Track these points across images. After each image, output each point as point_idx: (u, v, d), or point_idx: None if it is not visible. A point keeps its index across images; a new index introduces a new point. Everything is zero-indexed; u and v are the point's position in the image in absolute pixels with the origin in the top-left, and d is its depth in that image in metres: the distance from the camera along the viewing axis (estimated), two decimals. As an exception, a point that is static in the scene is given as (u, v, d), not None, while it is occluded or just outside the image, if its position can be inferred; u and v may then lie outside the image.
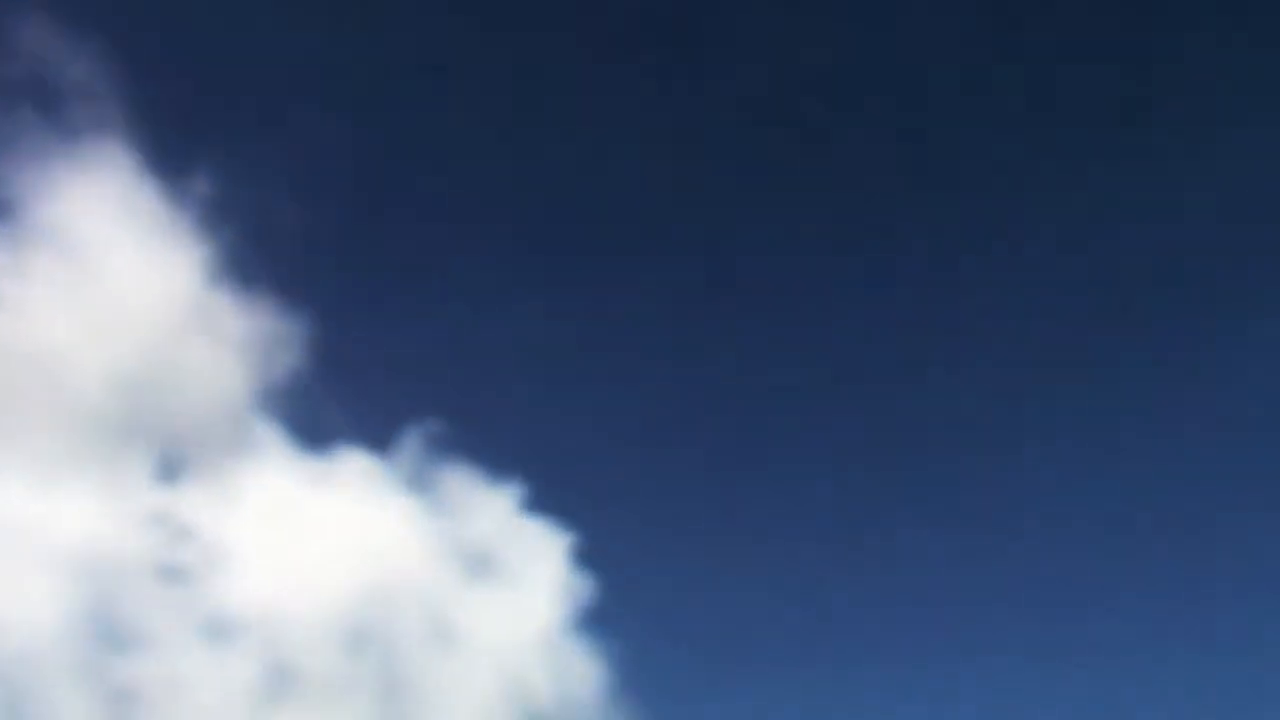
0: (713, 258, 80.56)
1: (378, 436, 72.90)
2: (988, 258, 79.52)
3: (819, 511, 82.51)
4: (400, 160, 74.63)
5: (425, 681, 75.53)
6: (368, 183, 73.22)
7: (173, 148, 61.91)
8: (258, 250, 63.76)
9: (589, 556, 79.80)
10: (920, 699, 77.51)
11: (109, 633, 62.78)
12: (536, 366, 74.73)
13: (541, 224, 78.12)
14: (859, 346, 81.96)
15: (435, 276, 76.20)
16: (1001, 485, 79.97)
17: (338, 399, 70.50)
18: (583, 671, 78.85)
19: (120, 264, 58.37)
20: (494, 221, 76.63)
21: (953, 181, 77.99)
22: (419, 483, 71.63)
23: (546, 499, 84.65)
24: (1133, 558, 74.47)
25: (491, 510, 73.94)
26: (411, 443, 71.62)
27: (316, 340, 65.76)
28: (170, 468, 63.34)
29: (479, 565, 73.07)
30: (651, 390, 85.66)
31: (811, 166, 78.73)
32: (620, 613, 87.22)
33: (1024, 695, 75.41)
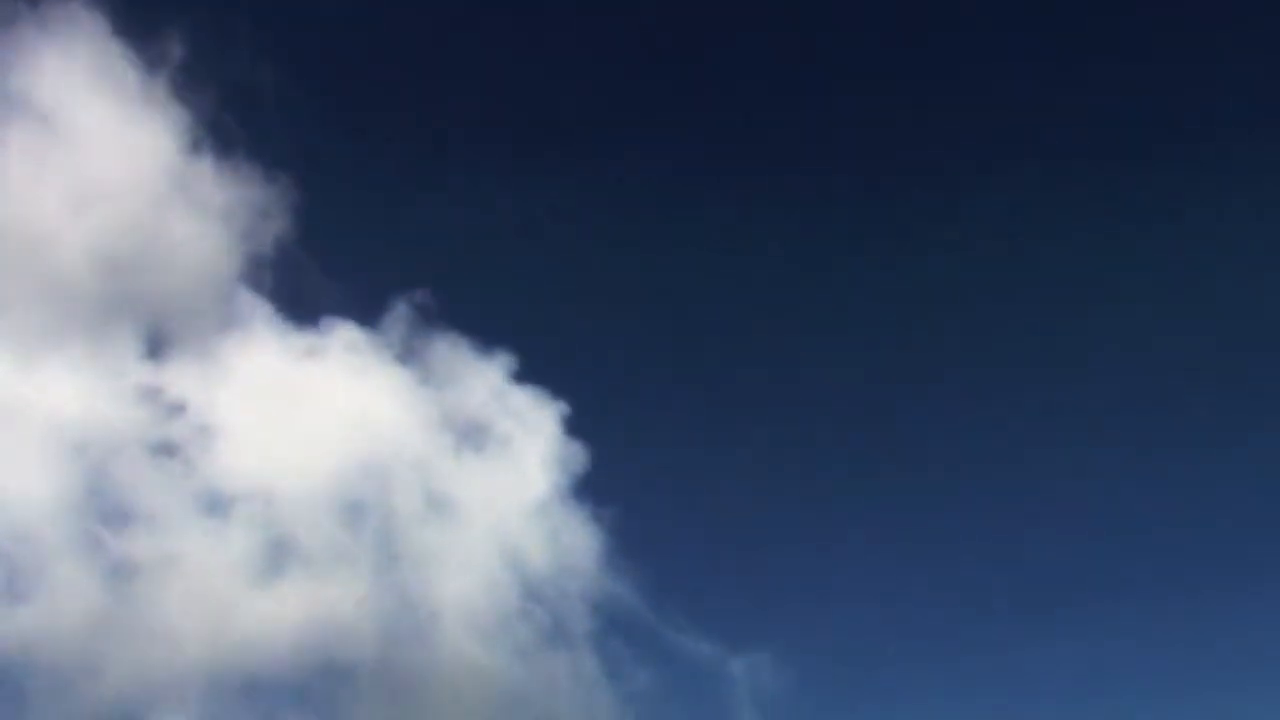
0: (707, 133, 79.66)
1: (366, 309, 71.87)
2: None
3: (808, 379, 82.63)
4: (391, 25, 72.94)
5: (421, 552, 75.56)
6: (352, 46, 71.45)
7: (142, 9, 60.14)
8: (237, 116, 62.10)
9: (580, 426, 79.31)
10: (913, 554, 78.23)
11: (105, 509, 62.32)
12: (525, 237, 73.73)
13: (535, 96, 76.70)
14: (856, 221, 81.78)
15: (424, 146, 74.84)
16: (995, 357, 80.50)
17: (324, 271, 69.36)
18: (577, 539, 79.02)
19: (96, 134, 56.76)
20: (487, 94, 75.08)
21: None
22: (409, 355, 70.76)
23: (537, 369, 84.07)
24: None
25: (482, 381, 73.44)
26: (400, 315, 70.56)
27: (301, 210, 64.12)
28: (157, 344, 62.44)
29: (471, 436, 72.73)
30: (641, 261, 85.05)
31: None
32: (613, 480, 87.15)
33: (1016, 540, 76.45)
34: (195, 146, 58.62)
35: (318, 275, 68.23)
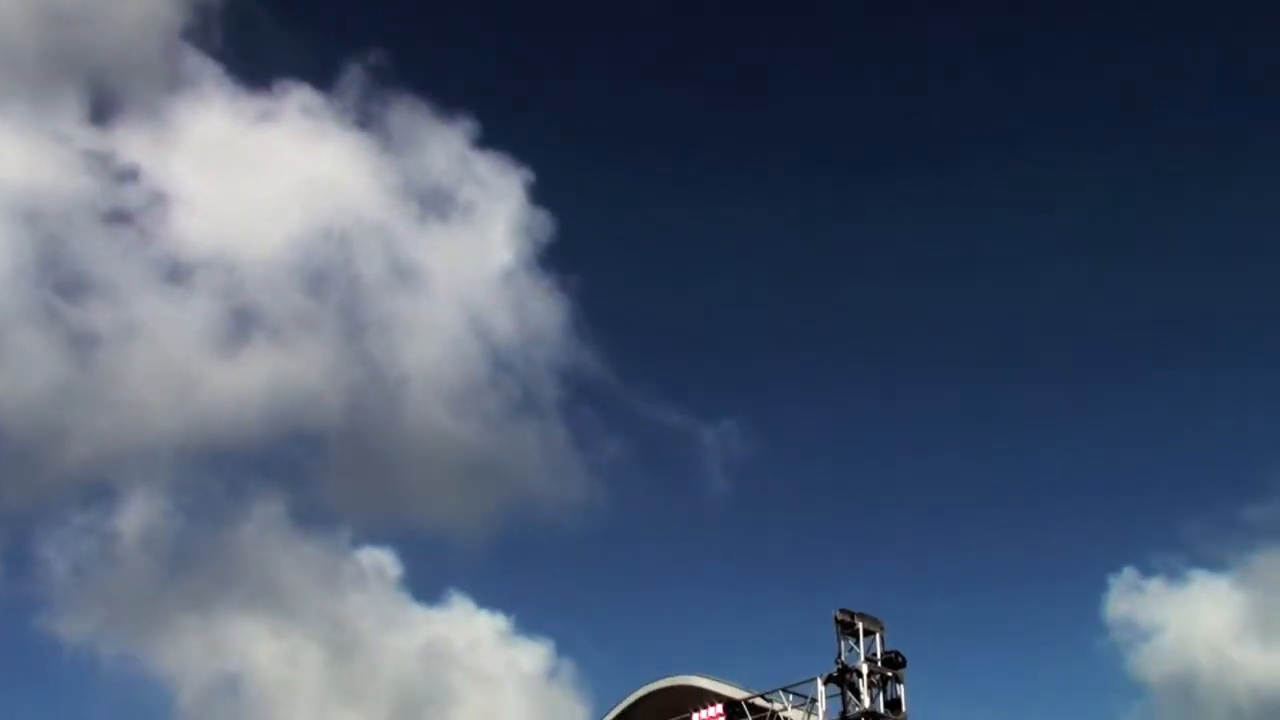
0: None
1: (319, 70, 69.55)
2: None
3: (783, 142, 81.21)
4: None
5: (387, 321, 74.67)
6: None
7: None
8: None
9: (546, 193, 78.30)
10: (884, 326, 78.10)
11: (60, 279, 60.82)
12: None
13: None
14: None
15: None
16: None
17: (275, 28, 66.70)
18: (544, 308, 78.37)
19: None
20: None
21: None
22: (366, 120, 68.35)
23: (500, 135, 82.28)
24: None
25: (443, 147, 71.23)
26: (355, 77, 68.53)
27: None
28: (103, 107, 60.00)
29: (434, 204, 71.12)
30: (607, 17, 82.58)
31: None
32: (580, 249, 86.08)
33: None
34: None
35: (268, 33, 65.67)
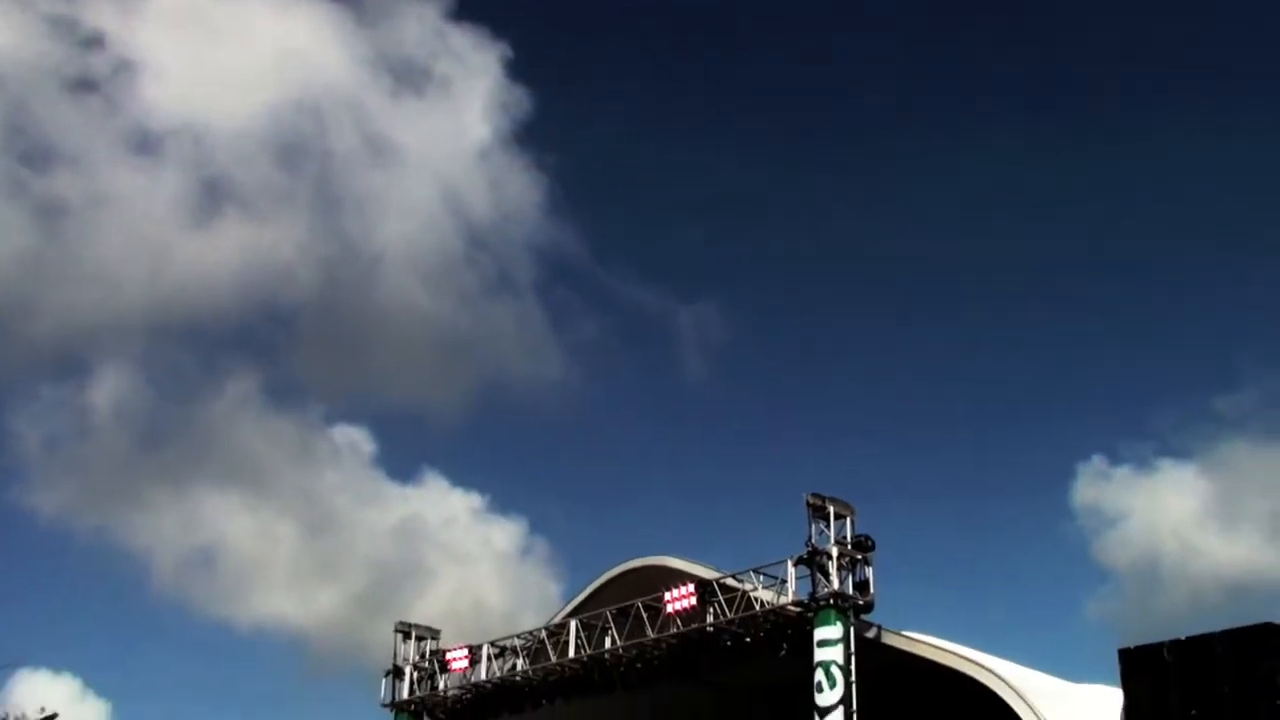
0: None
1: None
2: None
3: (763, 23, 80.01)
4: None
5: (361, 196, 73.88)
6: None
7: None
8: None
9: (523, 69, 77.30)
10: (866, 210, 77.85)
11: (25, 149, 59.61)
12: None
13: None
14: None
15: None
16: None
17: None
18: (520, 186, 77.64)
19: None
20: None
21: None
22: (337, -13, 67.96)
23: (476, 8, 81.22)
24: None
25: (418, 20, 70.18)
26: (326, -57, 67.89)
27: None
28: (65, -30, 58.99)
29: (408, 78, 69.80)
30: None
31: None
32: (557, 126, 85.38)
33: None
34: None
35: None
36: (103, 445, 74.66)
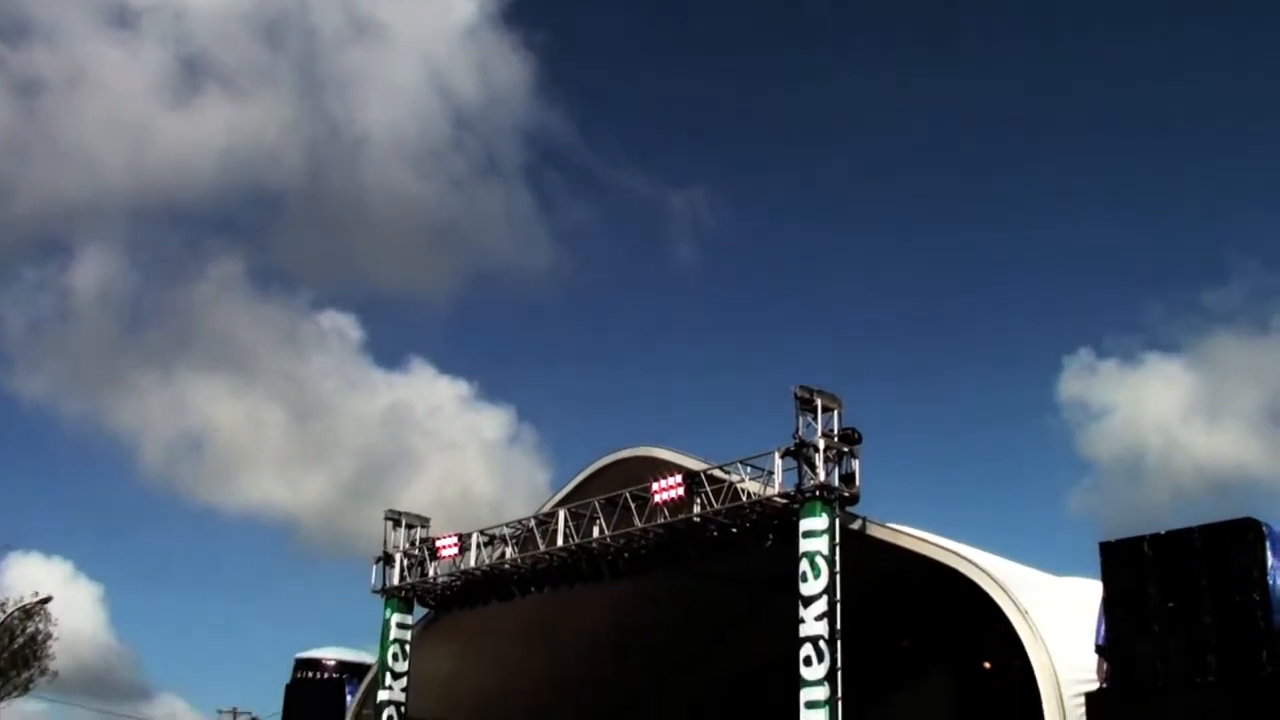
0: None
1: None
2: None
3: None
4: None
5: (346, 76, 73.13)
6: None
7: None
8: None
9: (511, -59, 76.29)
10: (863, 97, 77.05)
11: (1, 23, 59.03)
12: None
13: None
14: None
15: None
16: None
17: None
18: (508, 67, 76.68)
19: None
20: None
21: None
22: None
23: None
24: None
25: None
26: None
27: None
28: None
29: (395, -46, 69.20)
30: None
31: None
32: (546, 4, 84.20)
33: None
34: None
35: None
36: (87, 328, 74.58)
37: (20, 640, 45.44)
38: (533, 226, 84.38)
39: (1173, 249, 79.09)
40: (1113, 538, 17.27)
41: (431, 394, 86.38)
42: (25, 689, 45.80)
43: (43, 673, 45.91)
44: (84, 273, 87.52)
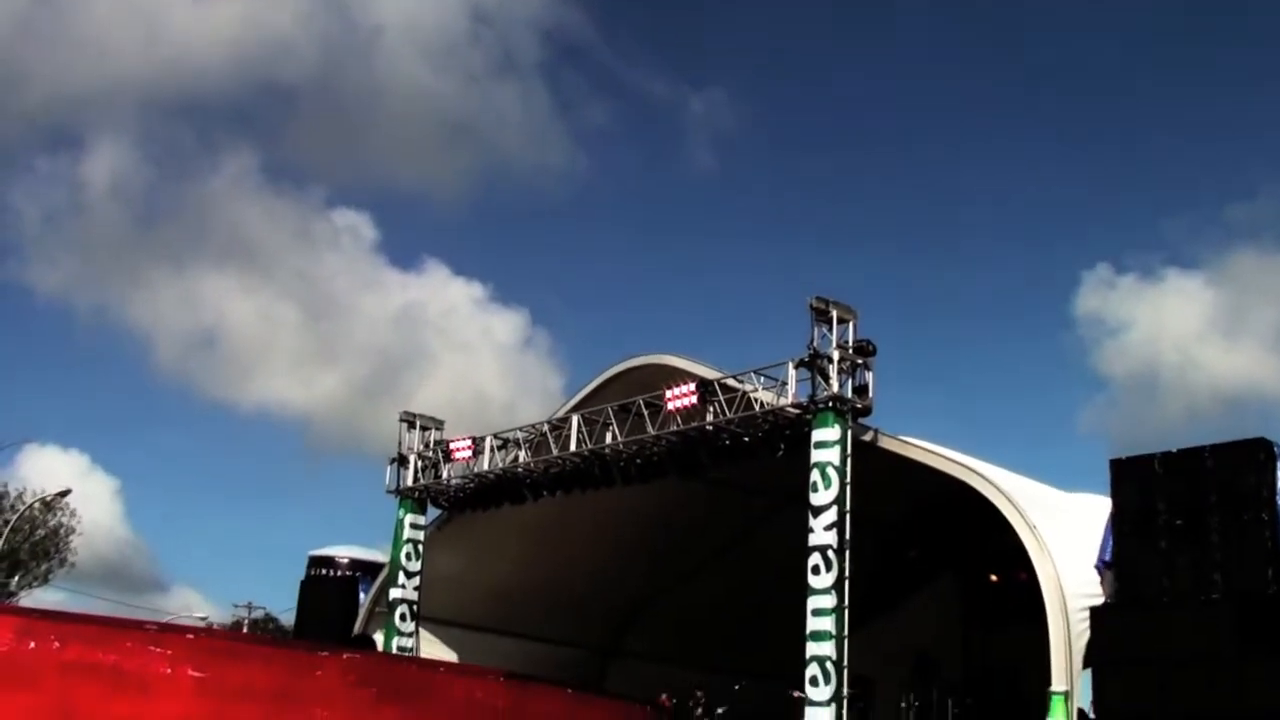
0: None
1: None
2: None
3: None
4: None
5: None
6: None
7: None
8: None
9: None
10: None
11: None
12: None
13: None
14: None
15: None
16: None
17: None
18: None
19: None
20: None
21: None
22: None
23: None
24: None
25: None
26: None
27: None
28: None
29: None
30: None
31: None
32: None
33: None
34: None
35: None
36: (99, 221, 74.56)
37: (42, 533, 46.06)
38: (550, 126, 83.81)
39: (1196, 162, 78.36)
40: (1124, 455, 17.28)
41: (446, 295, 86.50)
42: (45, 579, 46.51)
43: (62, 564, 46.63)
44: (96, 165, 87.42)
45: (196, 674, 3.42)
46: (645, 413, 23.16)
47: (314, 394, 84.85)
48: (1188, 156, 78.51)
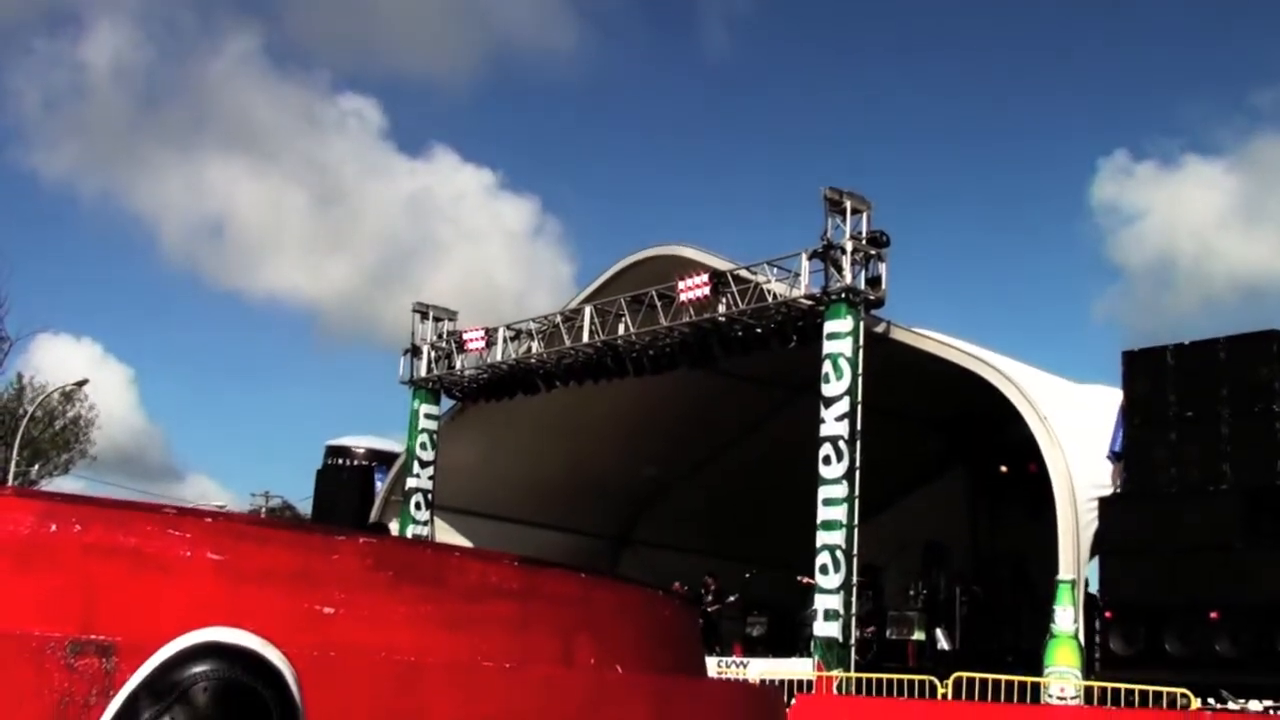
0: None
1: None
2: None
3: None
4: None
5: None
6: None
7: None
8: None
9: None
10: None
11: None
12: None
13: None
14: None
15: None
16: None
17: None
18: None
19: None
20: None
21: None
22: None
23: None
24: None
25: None
26: None
27: None
28: None
29: None
30: None
31: None
32: None
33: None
34: None
35: None
36: (102, 104, 73.96)
37: (61, 423, 46.49)
38: (559, 5, 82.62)
39: (1217, 43, 77.06)
40: (1137, 346, 17.30)
41: (455, 181, 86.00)
42: (65, 469, 47.04)
43: (83, 455, 47.14)
44: (96, 46, 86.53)
45: (215, 556, 3.49)
46: (658, 304, 23.20)
47: (323, 282, 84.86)
48: (1208, 37, 77.15)
